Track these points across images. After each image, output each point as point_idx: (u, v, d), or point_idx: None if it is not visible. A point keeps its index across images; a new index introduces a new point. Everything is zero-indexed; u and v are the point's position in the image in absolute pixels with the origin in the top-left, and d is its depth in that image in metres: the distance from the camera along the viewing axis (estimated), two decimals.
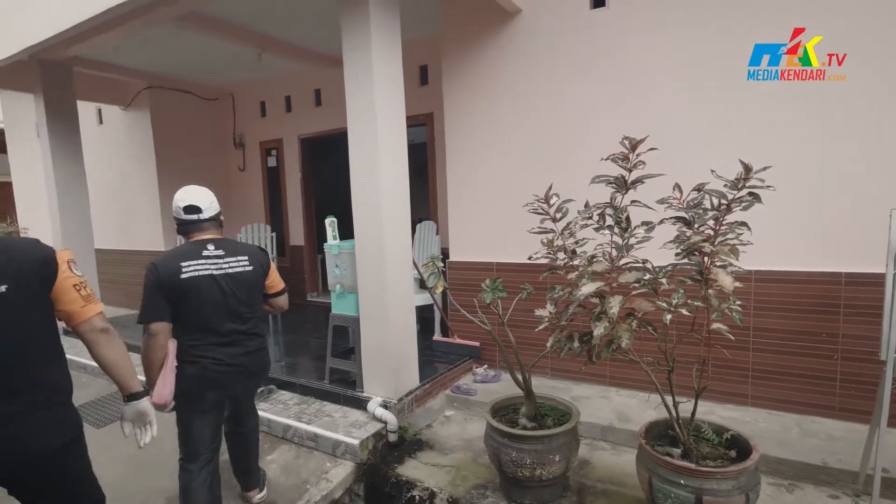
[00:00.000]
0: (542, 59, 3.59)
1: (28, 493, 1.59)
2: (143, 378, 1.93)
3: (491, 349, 4.05)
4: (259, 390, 3.65)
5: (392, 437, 3.08)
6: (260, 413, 3.33)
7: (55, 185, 5.34)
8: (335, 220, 3.50)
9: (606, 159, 1.95)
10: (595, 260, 2.05)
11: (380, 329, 3.20)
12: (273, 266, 2.44)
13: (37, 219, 8.00)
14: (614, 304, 1.83)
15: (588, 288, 1.88)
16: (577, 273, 1.98)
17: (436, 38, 4.86)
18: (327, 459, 2.97)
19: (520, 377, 2.51)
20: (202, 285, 2.13)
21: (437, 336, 4.39)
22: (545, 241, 2.16)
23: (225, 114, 7.23)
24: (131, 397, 1.72)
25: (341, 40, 3.08)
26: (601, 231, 1.95)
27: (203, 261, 2.16)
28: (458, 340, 4.12)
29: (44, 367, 1.52)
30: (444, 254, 4.80)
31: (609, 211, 1.95)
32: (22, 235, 7.12)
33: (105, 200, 7.09)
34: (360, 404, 3.29)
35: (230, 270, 2.21)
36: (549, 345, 2.13)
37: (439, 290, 2.45)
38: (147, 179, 6.71)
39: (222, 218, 2.35)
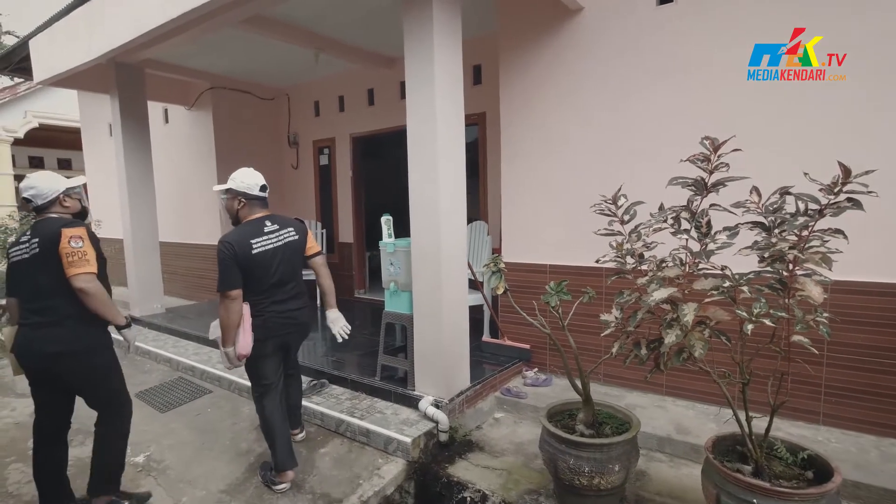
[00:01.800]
0: (605, 57, 3.50)
1: (60, 386, 2.35)
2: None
3: (542, 352, 3.99)
4: (312, 383, 3.74)
5: (443, 437, 3.08)
6: (314, 407, 3.43)
7: (126, 180, 5.67)
8: (390, 218, 3.53)
9: (687, 161, 1.87)
10: (665, 265, 1.97)
11: (433, 328, 3.21)
12: (310, 232, 2.94)
13: (108, 212, 8.51)
14: (688, 312, 1.75)
15: (660, 294, 1.80)
16: (646, 278, 1.91)
17: (490, 38, 4.84)
18: (379, 455, 3.01)
19: (578, 383, 2.45)
20: (268, 257, 2.63)
21: (486, 337, 4.37)
22: (614, 243, 2.09)
23: (280, 113, 7.46)
24: (118, 329, 2.43)
25: (402, 40, 3.11)
26: (678, 235, 1.86)
27: (266, 237, 2.66)
28: (508, 342, 4.08)
29: (53, 299, 2.24)
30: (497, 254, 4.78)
31: (685, 214, 1.87)
32: (94, 227, 7.58)
33: (168, 195, 7.45)
34: (411, 402, 3.30)
35: (284, 241, 2.71)
36: (614, 351, 2.07)
37: (500, 290, 2.43)
38: (207, 176, 7.00)
39: None
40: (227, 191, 2.72)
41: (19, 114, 11.23)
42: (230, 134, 6.97)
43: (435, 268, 3.14)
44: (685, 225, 1.88)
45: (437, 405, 3.16)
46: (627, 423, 2.51)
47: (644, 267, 2.10)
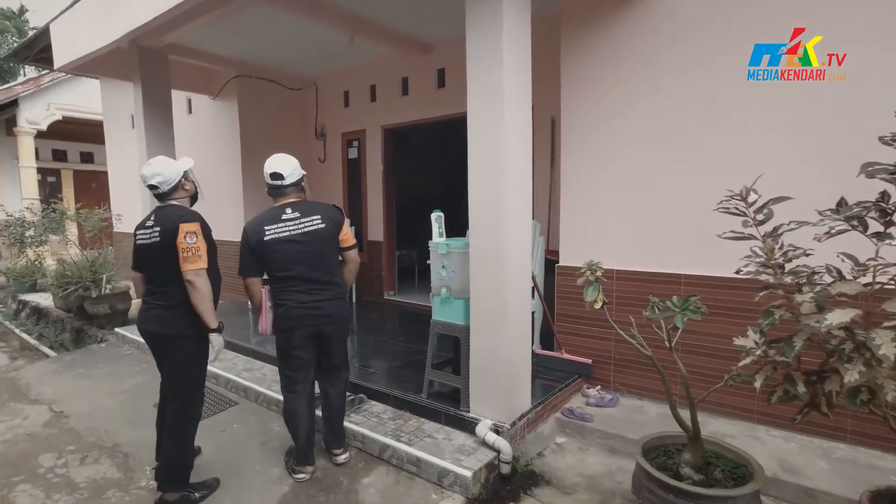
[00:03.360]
0: (687, 34, 3.04)
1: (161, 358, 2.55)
2: None
3: (604, 368, 3.54)
4: (349, 398, 3.35)
5: (504, 469, 2.67)
6: (353, 427, 3.04)
7: None
8: (441, 214, 3.13)
9: (889, 140, 1.42)
10: (831, 278, 1.53)
11: (494, 341, 2.79)
12: (346, 224, 2.74)
13: (129, 205, 8.27)
14: (883, 342, 1.31)
15: (838, 316, 1.36)
16: (810, 295, 1.47)
17: (541, 18, 4.40)
18: (432, 490, 2.60)
19: (686, 415, 2.01)
20: (281, 245, 2.56)
21: (538, 348, 3.93)
22: (759, 249, 1.65)
23: (308, 104, 7.11)
24: (208, 330, 2.44)
25: (441, 22, 2.81)
26: (884, 241, 1.42)
27: (282, 224, 2.57)
28: (566, 356, 3.64)
29: (168, 284, 2.40)
30: (549, 256, 4.34)
31: (873, 214, 1.42)
32: (115, 222, 7.33)
33: None
34: (466, 426, 2.89)
35: (305, 229, 2.58)
36: (757, 385, 1.63)
37: (598, 305, 2.00)
38: (232, 168, 6.69)
39: (304, 184, 2.72)
40: None
41: (43, 106, 11.08)
42: (255, 125, 6.64)
43: (497, 271, 2.72)
44: (875, 227, 1.43)
45: (497, 431, 2.75)
46: (743, 466, 2.07)
47: (788, 280, 1.66)
